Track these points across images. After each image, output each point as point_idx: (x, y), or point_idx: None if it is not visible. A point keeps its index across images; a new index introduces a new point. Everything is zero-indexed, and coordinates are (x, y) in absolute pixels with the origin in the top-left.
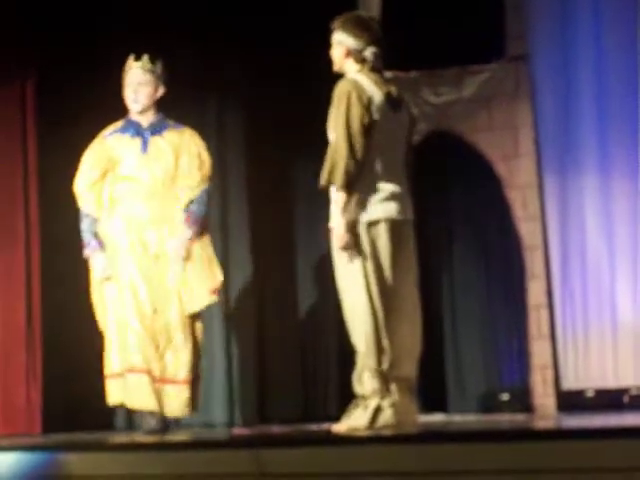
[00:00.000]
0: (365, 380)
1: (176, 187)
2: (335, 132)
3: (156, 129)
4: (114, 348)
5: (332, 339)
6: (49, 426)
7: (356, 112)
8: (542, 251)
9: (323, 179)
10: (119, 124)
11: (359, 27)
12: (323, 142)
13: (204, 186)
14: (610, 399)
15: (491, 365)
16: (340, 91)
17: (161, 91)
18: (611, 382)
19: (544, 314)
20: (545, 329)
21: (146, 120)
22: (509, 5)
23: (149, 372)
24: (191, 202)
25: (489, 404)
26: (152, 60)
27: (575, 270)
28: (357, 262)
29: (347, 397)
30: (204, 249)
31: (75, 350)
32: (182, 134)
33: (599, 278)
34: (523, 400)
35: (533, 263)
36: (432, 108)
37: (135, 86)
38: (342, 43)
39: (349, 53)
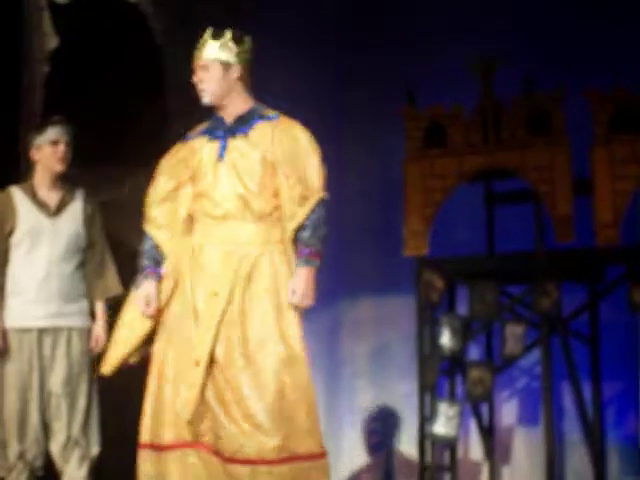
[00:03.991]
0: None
1: (271, 205)
2: None
3: (241, 126)
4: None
5: None
6: None
7: None
8: None
9: None
10: (207, 123)
11: None
12: None
13: (313, 201)
14: None
15: None
16: None
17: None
18: None
19: None
20: None
21: (231, 114)
22: None
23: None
24: (300, 228)
25: None
26: (237, 37)
27: None
28: None
29: None
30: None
31: None
32: (276, 127)
33: None
34: None
35: None
36: None
37: (200, 73)
38: None
39: None
